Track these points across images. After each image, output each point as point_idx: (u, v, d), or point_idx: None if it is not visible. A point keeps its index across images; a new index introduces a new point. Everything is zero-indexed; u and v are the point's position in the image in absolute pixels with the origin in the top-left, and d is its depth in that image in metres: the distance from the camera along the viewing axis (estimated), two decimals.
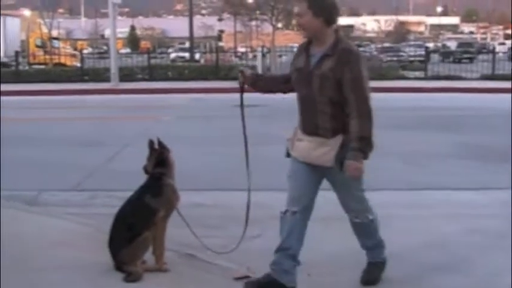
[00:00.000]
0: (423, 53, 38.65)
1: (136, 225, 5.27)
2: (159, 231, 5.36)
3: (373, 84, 18.37)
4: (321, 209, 7.24)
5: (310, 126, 5.13)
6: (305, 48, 5.10)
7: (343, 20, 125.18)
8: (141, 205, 5.36)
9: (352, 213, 5.55)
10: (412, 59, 45.92)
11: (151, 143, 5.50)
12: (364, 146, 4.94)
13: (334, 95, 4.89)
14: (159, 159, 5.45)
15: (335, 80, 4.84)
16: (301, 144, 5.27)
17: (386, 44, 69.02)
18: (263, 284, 5.20)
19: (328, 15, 4.93)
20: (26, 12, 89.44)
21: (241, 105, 5.63)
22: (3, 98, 25.56)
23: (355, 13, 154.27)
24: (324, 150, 5.06)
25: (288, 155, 5.50)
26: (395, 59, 45.51)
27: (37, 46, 50.47)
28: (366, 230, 5.58)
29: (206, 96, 25.39)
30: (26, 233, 6.60)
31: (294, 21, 39.44)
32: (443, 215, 7.67)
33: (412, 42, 72.38)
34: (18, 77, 32.85)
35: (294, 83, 5.23)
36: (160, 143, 5.49)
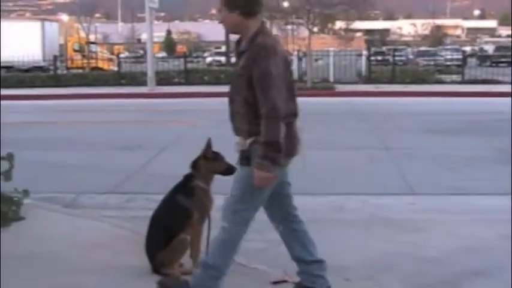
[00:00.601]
0: (460, 56, 38.32)
1: (171, 226, 5.27)
2: (195, 234, 5.35)
3: (410, 88, 18.42)
4: (361, 213, 7.26)
5: (233, 127, 4.78)
6: (236, 44, 4.72)
7: (379, 24, 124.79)
8: (174, 205, 5.36)
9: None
10: (448, 63, 45.61)
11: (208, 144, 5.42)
12: (270, 151, 4.35)
13: (248, 95, 4.47)
14: (193, 161, 5.44)
15: (247, 78, 4.43)
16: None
17: (423, 48, 68.58)
18: None
19: (244, 7, 4.49)
20: (64, 17, 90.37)
21: None
22: (42, 102, 25.87)
23: (391, 17, 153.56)
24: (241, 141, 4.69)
25: None
26: (432, 63, 45.19)
27: (75, 50, 50.92)
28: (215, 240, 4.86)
29: None
30: (63, 234, 6.65)
31: (329, 25, 39.38)
32: (479, 220, 7.57)
33: (449, 46, 71.88)
34: (57, 81, 33.17)
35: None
36: (207, 147, 5.40)
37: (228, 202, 4.70)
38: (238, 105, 4.61)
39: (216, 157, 5.40)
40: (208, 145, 5.37)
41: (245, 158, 4.57)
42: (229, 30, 4.75)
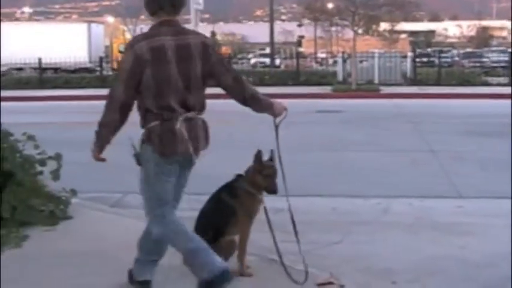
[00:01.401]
0: (506, 58, 37.81)
1: (218, 224, 5.32)
2: (242, 235, 5.37)
3: (456, 90, 18.16)
4: (406, 216, 7.21)
5: None
6: None
7: (424, 26, 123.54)
8: (220, 203, 5.40)
9: None
10: (495, 64, 45.06)
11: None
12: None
13: None
14: (249, 168, 5.45)
15: None
16: None
17: (469, 50, 67.85)
18: None
19: (147, 6, 4.82)
20: (110, 19, 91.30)
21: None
22: (88, 102, 26.15)
23: (436, 18, 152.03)
24: None
25: None
26: (477, 64, 44.69)
27: (120, 52, 51.40)
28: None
29: (286, 101, 25.19)
30: (111, 234, 6.72)
31: (374, 27, 39.18)
32: None
33: (495, 48, 70.95)
34: (103, 82, 33.49)
35: None
36: (260, 157, 5.40)
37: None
38: None
39: (262, 171, 5.34)
40: (257, 157, 5.36)
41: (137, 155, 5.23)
42: None
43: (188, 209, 7.83)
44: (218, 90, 5.14)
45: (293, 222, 5.45)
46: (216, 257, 4.69)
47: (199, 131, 4.87)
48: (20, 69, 40.34)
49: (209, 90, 5.03)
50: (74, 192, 7.58)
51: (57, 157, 7.44)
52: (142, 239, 5.19)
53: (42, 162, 7.36)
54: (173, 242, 4.92)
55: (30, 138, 7.37)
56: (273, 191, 5.32)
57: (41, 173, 7.42)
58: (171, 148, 4.79)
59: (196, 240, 4.80)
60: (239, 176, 5.42)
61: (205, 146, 5.01)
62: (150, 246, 5.13)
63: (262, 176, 5.31)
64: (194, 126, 4.81)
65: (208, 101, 4.93)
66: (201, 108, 4.89)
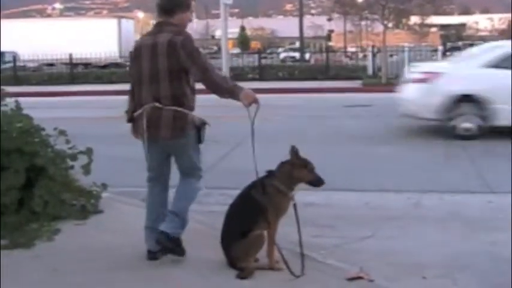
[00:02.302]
0: None
1: (247, 221, 5.33)
2: (270, 230, 5.38)
3: None
4: (437, 211, 7.16)
5: None
6: None
7: (454, 19, 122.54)
8: (250, 200, 5.41)
9: None
10: None
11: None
12: None
13: None
14: (279, 163, 5.47)
15: None
16: None
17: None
18: None
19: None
20: (140, 14, 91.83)
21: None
22: (119, 97, 26.27)
23: (467, 11, 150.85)
24: None
25: (202, 140, 5.90)
26: None
27: None
28: None
29: (316, 96, 25.33)
30: (141, 228, 6.74)
31: (404, 20, 38.87)
32: None
33: None
34: None
35: None
36: (296, 152, 5.45)
37: None
38: None
39: (305, 165, 5.40)
40: (294, 152, 5.40)
41: None
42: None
43: (216, 203, 7.90)
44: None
45: (295, 211, 5.46)
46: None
47: (161, 119, 5.41)
48: (51, 64, 40.62)
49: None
50: (104, 187, 7.63)
51: (88, 152, 7.49)
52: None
53: (74, 157, 7.42)
54: None
55: (62, 133, 7.43)
56: (321, 181, 5.44)
57: (72, 167, 7.48)
58: (137, 133, 5.83)
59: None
60: (270, 173, 5.43)
61: (168, 134, 5.48)
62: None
63: (307, 170, 5.39)
64: (157, 116, 5.41)
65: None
66: (171, 99, 5.42)
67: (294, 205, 5.43)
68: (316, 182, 5.42)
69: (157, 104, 5.38)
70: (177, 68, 5.36)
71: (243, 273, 5.23)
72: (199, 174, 5.84)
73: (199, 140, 5.73)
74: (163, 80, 5.36)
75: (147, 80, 5.42)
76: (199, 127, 5.70)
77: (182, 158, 5.72)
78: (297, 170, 5.36)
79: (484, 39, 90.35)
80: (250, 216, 5.33)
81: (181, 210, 5.67)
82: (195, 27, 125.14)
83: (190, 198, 5.78)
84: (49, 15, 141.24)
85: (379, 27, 33.98)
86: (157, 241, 5.56)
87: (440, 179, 9.59)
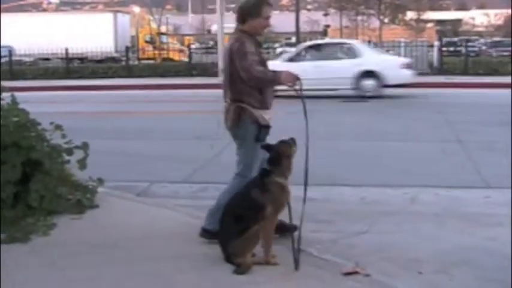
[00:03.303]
0: None
1: (245, 219, 5.32)
2: (268, 226, 5.38)
3: (483, 79, 18.04)
4: (433, 206, 7.16)
5: (272, 100, 6.12)
6: (256, 42, 6.12)
7: (451, 14, 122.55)
8: (249, 199, 5.41)
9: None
10: None
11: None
12: None
13: None
14: (272, 157, 5.49)
15: None
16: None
17: (496, 39, 67.19)
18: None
19: None
20: (136, 9, 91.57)
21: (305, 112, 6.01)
22: (115, 92, 26.30)
23: (463, 7, 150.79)
24: None
25: (265, 138, 5.97)
26: (505, 53, 44.21)
27: (146, 42, 51.53)
28: None
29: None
30: (137, 223, 6.75)
31: (400, 16, 38.90)
32: None
33: None
34: (129, 71, 33.70)
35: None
36: (292, 144, 5.52)
37: None
38: None
39: (290, 147, 5.49)
40: (288, 145, 5.46)
41: None
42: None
43: (212, 198, 7.89)
44: None
45: (289, 208, 5.57)
46: None
47: (228, 114, 6.03)
48: (47, 59, 40.59)
49: None
50: (100, 181, 7.62)
51: (84, 146, 7.48)
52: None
53: (69, 152, 7.40)
54: None
55: (58, 127, 7.41)
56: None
57: (68, 162, 7.47)
58: None
59: None
60: (268, 171, 5.45)
61: (229, 124, 6.08)
62: None
63: (293, 150, 5.57)
64: (227, 110, 6.04)
65: None
66: (234, 97, 5.96)
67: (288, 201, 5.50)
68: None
69: (227, 101, 6.03)
70: (234, 70, 5.90)
71: (240, 269, 5.22)
72: (244, 174, 5.96)
73: (257, 138, 5.90)
74: (228, 80, 5.99)
75: (224, 80, 6.12)
76: (260, 126, 5.92)
77: (239, 150, 6.15)
78: (291, 153, 5.52)
79: (480, 34, 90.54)
80: (249, 214, 5.33)
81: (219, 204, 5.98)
82: (190, 21, 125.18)
83: (236, 186, 5.98)
84: (45, 10, 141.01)
85: (375, 23, 34.11)
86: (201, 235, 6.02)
87: (436, 174, 9.59)
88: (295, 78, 5.84)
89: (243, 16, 6.08)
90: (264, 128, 5.93)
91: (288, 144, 5.51)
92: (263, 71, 5.89)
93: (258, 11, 6.02)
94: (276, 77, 5.83)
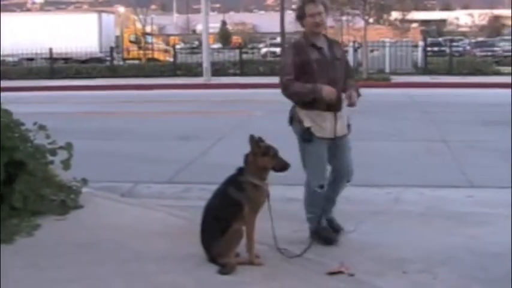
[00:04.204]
0: None
1: (224, 217, 5.34)
2: (248, 226, 5.39)
3: (467, 79, 18.10)
4: (417, 205, 7.19)
5: (337, 104, 6.07)
6: (312, 44, 6.16)
7: (435, 15, 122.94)
8: (226, 197, 5.44)
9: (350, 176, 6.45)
10: (507, 54, 44.76)
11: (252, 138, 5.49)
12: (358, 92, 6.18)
13: (344, 75, 6.23)
14: (245, 156, 5.48)
15: (345, 62, 6.36)
16: (326, 124, 6.06)
17: (480, 39, 67.44)
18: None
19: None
20: (121, 9, 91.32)
21: None
22: (99, 92, 26.23)
23: (448, 7, 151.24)
24: (342, 121, 6.19)
25: (310, 139, 6.08)
26: (489, 54, 44.39)
27: (131, 42, 51.30)
28: None
29: None
30: (121, 223, 6.73)
31: (385, 16, 38.88)
32: None
33: (507, 37, 70.49)
34: (114, 72, 33.60)
35: (315, 71, 6.05)
36: (256, 141, 5.46)
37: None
38: (341, 85, 6.11)
39: (266, 152, 5.42)
40: (253, 141, 5.41)
41: (347, 126, 6.33)
42: (321, 30, 6.23)
43: (197, 198, 7.89)
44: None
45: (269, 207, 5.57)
46: None
47: None
48: (31, 59, 40.34)
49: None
50: (84, 182, 7.60)
51: (68, 147, 7.46)
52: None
53: (53, 152, 7.38)
54: None
55: (41, 128, 7.38)
56: (284, 166, 5.45)
57: (52, 162, 7.44)
58: None
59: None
60: (242, 169, 5.44)
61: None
62: None
63: (269, 157, 5.42)
64: None
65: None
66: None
67: (267, 196, 5.49)
68: (280, 167, 5.46)
69: None
70: None
71: (225, 269, 5.22)
72: (308, 182, 6.24)
73: (302, 139, 6.12)
74: None
75: None
76: (305, 127, 6.08)
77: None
78: (260, 159, 5.40)
79: (464, 34, 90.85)
80: (228, 213, 5.34)
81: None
82: (175, 21, 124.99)
83: (305, 194, 6.33)
84: (29, 10, 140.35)
85: (360, 23, 34.07)
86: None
87: (421, 174, 9.62)
88: (335, 94, 5.99)
89: (298, 20, 6.34)
90: (308, 130, 6.05)
91: (254, 142, 5.47)
92: (299, 90, 6.03)
93: (304, 11, 6.18)
94: (315, 93, 5.95)
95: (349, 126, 6.33)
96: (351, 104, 6.07)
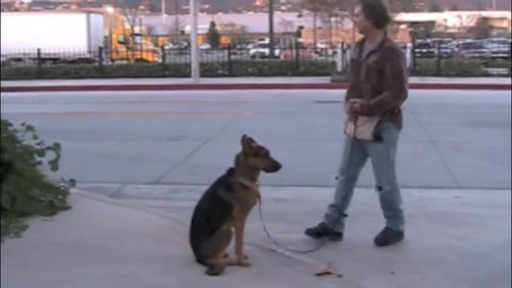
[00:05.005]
0: (507, 49, 37.71)
1: (214, 218, 5.34)
2: (237, 227, 5.39)
3: (455, 81, 18.20)
4: (405, 206, 7.17)
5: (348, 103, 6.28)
6: (360, 44, 6.33)
7: (424, 16, 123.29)
8: (216, 198, 5.43)
9: (378, 183, 6.60)
10: (495, 55, 44.96)
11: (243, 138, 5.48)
12: (379, 107, 6.09)
13: (376, 83, 6.06)
14: (235, 156, 5.48)
15: (377, 70, 6.04)
16: (350, 123, 6.34)
17: (469, 40, 67.72)
18: (320, 231, 6.37)
19: (377, 19, 6.12)
20: (109, 9, 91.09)
21: None
22: (87, 92, 26.17)
23: (436, 9, 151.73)
24: (366, 127, 6.19)
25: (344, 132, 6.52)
26: (477, 55, 44.59)
27: (119, 42, 51.29)
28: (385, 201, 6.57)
29: (286, 92, 25.35)
30: (109, 224, 6.72)
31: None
32: None
33: (495, 39, 70.82)
34: (102, 72, 33.53)
35: (350, 71, 6.50)
36: (248, 141, 5.45)
37: (383, 170, 6.62)
38: (365, 91, 6.14)
39: (258, 153, 5.42)
40: (245, 141, 5.40)
41: (375, 135, 6.21)
42: (358, 30, 6.33)
43: (185, 199, 7.89)
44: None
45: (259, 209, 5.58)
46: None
47: None
48: (19, 59, 40.22)
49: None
50: (72, 183, 7.58)
51: (56, 147, 7.44)
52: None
53: (41, 153, 7.36)
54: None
55: (29, 128, 7.37)
56: (275, 167, 5.44)
57: (40, 163, 7.42)
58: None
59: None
60: (232, 170, 5.44)
61: None
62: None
63: (260, 157, 5.40)
64: None
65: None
66: None
67: (258, 197, 5.49)
68: (271, 168, 5.44)
69: None
70: None
71: (214, 270, 5.22)
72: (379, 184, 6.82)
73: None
74: None
75: None
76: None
77: None
78: (251, 159, 5.39)
79: (452, 36, 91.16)
80: (217, 214, 5.34)
81: None
82: (164, 22, 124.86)
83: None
84: (17, 10, 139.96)
85: (348, 24, 34.20)
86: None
87: (408, 175, 9.62)
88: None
89: None
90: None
91: (246, 142, 5.45)
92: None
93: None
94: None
95: (376, 135, 6.23)
96: (351, 108, 6.26)
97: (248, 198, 5.43)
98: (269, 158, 5.44)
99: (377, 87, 6.07)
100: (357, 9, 6.20)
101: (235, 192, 5.38)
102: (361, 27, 6.23)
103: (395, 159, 6.68)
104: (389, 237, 6.37)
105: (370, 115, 6.11)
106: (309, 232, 6.41)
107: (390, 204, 6.49)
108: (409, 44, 36.12)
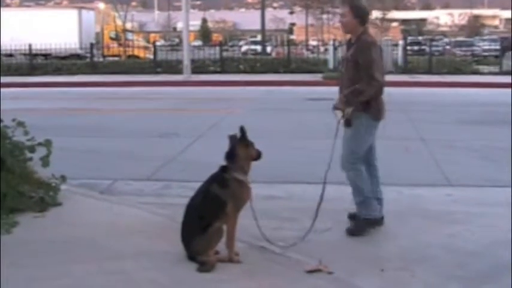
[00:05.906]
0: (498, 47, 37.82)
1: (207, 216, 5.34)
2: (230, 223, 5.40)
3: (447, 78, 18.25)
4: (396, 204, 7.23)
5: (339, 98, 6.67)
6: (348, 41, 6.74)
7: (415, 14, 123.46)
8: (210, 195, 5.43)
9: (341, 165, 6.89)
10: (486, 53, 45.08)
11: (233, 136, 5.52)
12: (353, 95, 6.49)
13: (353, 75, 6.42)
14: (229, 152, 5.49)
15: (354, 62, 6.39)
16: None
17: (460, 38, 67.89)
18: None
19: (363, 18, 6.51)
20: (101, 6, 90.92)
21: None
22: (79, 89, 26.10)
23: (428, 7, 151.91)
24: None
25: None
26: (468, 53, 44.71)
27: (111, 38, 51.12)
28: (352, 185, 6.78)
29: (277, 89, 25.36)
30: (100, 220, 6.71)
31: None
32: None
33: (486, 37, 71.00)
34: (93, 68, 33.47)
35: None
36: (242, 135, 5.49)
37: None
38: (345, 82, 6.54)
39: (251, 143, 5.51)
40: (244, 132, 5.44)
41: (348, 122, 6.66)
42: (345, 30, 6.68)
43: (176, 196, 7.89)
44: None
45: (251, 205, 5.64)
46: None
47: None
48: (10, 55, 40.09)
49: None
50: (63, 179, 7.57)
51: (47, 143, 7.43)
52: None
53: (32, 149, 7.35)
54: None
55: (20, 124, 7.35)
56: (260, 154, 5.63)
57: (30, 159, 7.41)
58: (381, 114, 7.28)
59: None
60: (226, 167, 5.46)
61: None
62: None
63: (252, 147, 5.54)
64: None
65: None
66: None
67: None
68: (258, 155, 5.63)
69: None
70: None
71: (205, 267, 5.23)
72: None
73: None
74: None
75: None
76: None
77: None
78: (251, 149, 5.52)
79: (444, 34, 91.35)
80: (211, 211, 5.34)
81: None
82: (156, 19, 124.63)
83: None
84: (8, 5, 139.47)
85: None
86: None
87: (399, 172, 9.66)
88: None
89: None
90: None
91: (243, 139, 5.49)
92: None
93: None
94: None
95: (347, 120, 6.74)
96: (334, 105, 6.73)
97: (242, 194, 5.45)
98: (254, 147, 5.59)
99: (354, 79, 6.40)
100: (343, 10, 6.57)
101: (229, 188, 5.39)
102: (348, 26, 6.56)
103: (373, 151, 7.41)
104: (359, 226, 6.58)
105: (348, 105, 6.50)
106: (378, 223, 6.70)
107: (358, 190, 6.71)
108: (401, 42, 36.20)
